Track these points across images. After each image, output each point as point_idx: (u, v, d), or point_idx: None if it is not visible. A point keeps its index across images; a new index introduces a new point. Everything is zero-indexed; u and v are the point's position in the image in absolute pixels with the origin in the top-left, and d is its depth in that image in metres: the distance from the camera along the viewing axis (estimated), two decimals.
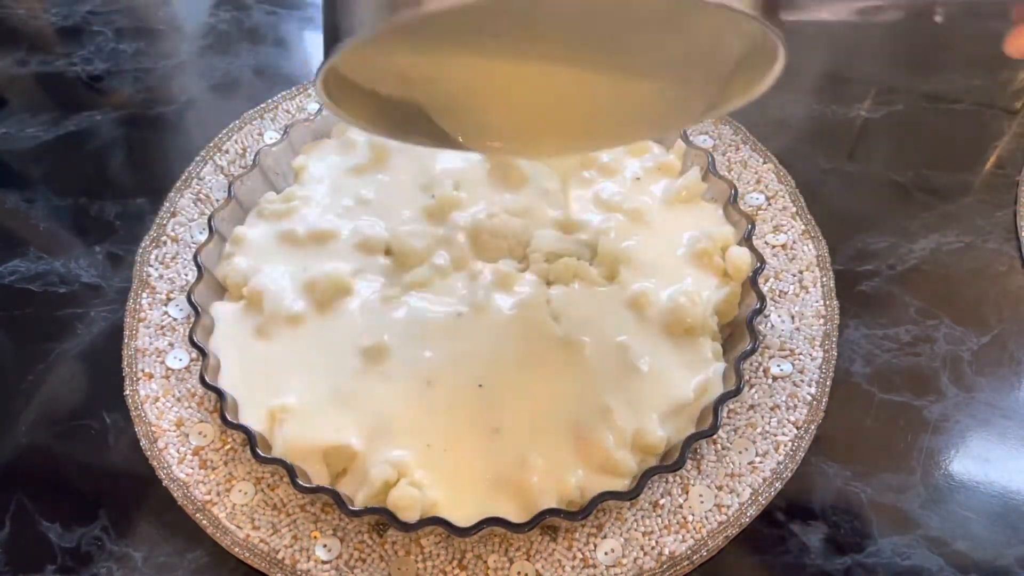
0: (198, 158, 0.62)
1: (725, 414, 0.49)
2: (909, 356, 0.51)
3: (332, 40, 0.30)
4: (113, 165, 0.64)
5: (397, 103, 0.39)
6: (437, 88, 0.39)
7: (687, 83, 0.38)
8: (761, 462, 0.47)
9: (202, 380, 0.46)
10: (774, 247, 0.56)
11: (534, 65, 0.37)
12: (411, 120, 0.40)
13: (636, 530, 0.45)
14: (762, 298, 0.49)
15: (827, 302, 0.53)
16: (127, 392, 0.50)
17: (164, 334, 0.53)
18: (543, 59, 0.36)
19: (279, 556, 0.44)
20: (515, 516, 0.42)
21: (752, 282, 0.49)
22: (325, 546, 0.45)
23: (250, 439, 0.44)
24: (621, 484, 0.43)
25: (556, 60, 0.36)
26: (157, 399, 0.50)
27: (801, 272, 0.54)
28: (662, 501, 0.46)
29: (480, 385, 0.46)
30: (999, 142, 0.62)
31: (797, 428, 0.48)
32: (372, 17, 0.29)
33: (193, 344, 0.47)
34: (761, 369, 0.50)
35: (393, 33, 0.29)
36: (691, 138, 0.58)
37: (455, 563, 0.44)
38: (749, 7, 0.28)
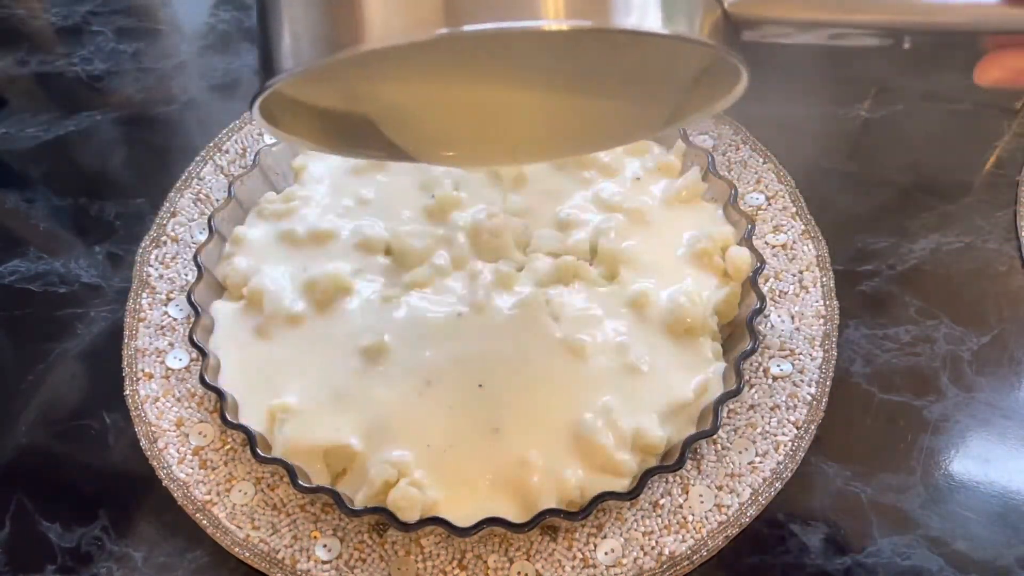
0: (198, 158, 0.62)
1: (725, 414, 0.48)
2: (909, 356, 0.51)
3: (268, 70, 0.29)
4: (113, 165, 0.64)
5: (343, 116, 0.38)
6: (384, 101, 0.37)
7: (643, 96, 0.37)
8: (761, 462, 0.47)
9: (202, 380, 0.46)
10: (774, 247, 0.56)
11: (483, 82, 0.36)
12: (360, 133, 0.39)
13: (636, 530, 0.45)
14: (762, 298, 0.49)
15: (827, 302, 0.53)
16: (127, 392, 0.50)
17: (164, 334, 0.53)
18: (493, 78, 0.35)
19: (279, 556, 0.44)
20: (515, 516, 0.42)
21: (752, 282, 0.49)
22: (325, 546, 0.45)
23: (250, 439, 0.44)
24: (621, 484, 0.43)
25: (506, 79, 0.35)
26: (157, 399, 0.50)
27: (801, 272, 0.54)
28: (662, 501, 0.46)
29: (480, 385, 0.46)
30: (999, 142, 0.62)
31: (797, 428, 0.48)
32: (310, 51, 0.27)
33: (193, 344, 0.47)
34: (761, 369, 0.50)
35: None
36: (691, 138, 0.57)
37: (455, 563, 0.44)
38: (708, 37, 0.27)
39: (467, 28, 0.25)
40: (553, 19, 0.25)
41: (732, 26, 0.28)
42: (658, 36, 0.26)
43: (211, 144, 0.63)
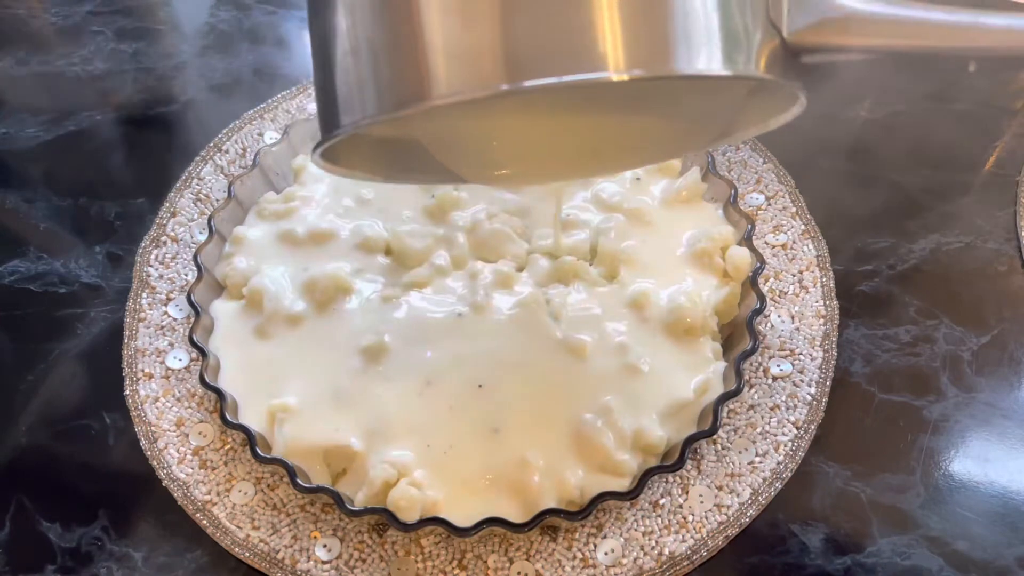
0: (198, 158, 0.62)
1: (725, 414, 0.48)
2: (909, 356, 0.51)
3: (330, 120, 0.29)
4: (113, 165, 0.64)
5: (393, 141, 0.38)
6: (437, 129, 0.38)
7: (696, 114, 0.37)
8: (761, 462, 0.47)
9: (202, 380, 0.46)
10: (774, 247, 0.56)
11: (537, 112, 0.36)
12: (410, 157, 0.39)
13: (636, 530, 0.45)
14: (762, 298, 0.49)
15: (827, 302, 0.53)
16: (127, 392, 0.50)
17: (164, 334, 0.53)
18: (546, 108, 0.36)
19: (279, 556, 0.44)
20: (515, 516, 0.42)
21: (752, 282, 0.49)
22: (325, 546, 0.45)
23: (250, 439, 0.44)
24: (621, 484, 0.43)
25: (560, 108, 0.36)
26: (157, 399, 0.50)
27: (801, 272, 0.54)
28: (662, 501, 0.46)
29: (480, 385, 0.46)
30: (999, 142, 0.62)
31: (797, 428, 0.48)
32: (375, 104, 0.28)
33: (193, 344, 0.47)
34: (761, 369, 0.50)
35: None
36: None
37: (455, 563, 0.44)
38: (766, 70, 0.27)
39: (528, 84, 0.25)
40: (613, 71, 0.25)
41: (791, 52, 0.28)
42: (719, 78, 0.27)
43: (211, 144, 0.63)
